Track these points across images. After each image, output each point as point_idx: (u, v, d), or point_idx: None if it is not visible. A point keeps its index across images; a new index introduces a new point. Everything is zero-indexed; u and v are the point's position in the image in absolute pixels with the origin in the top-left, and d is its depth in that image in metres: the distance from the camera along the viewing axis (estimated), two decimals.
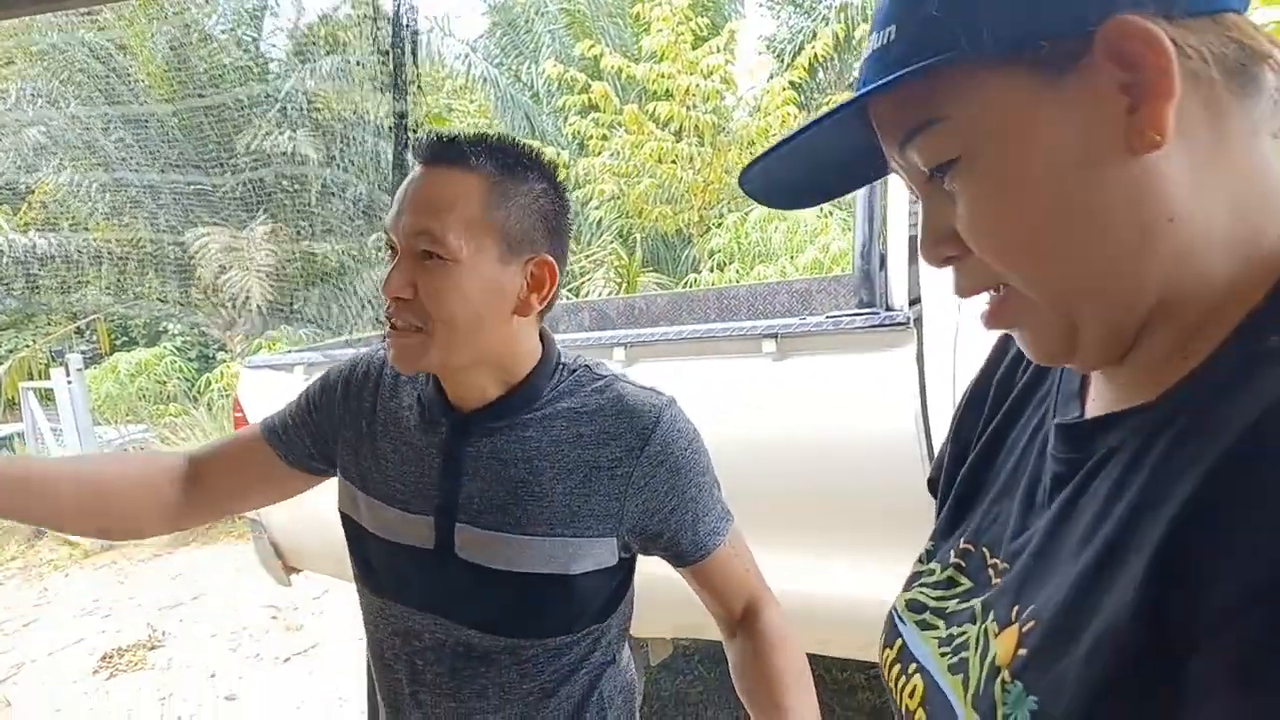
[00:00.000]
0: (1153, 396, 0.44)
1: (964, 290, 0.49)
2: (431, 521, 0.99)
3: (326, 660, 4.00)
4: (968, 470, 0.62)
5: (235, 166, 9.72)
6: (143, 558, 6.19)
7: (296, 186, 9.92)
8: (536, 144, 1.06)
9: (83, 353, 7.80)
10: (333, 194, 9.65)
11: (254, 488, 1.14)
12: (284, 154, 9.40)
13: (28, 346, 10.69)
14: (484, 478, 0.98)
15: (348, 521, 1.09)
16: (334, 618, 4.41)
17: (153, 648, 4.38)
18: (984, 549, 0.55)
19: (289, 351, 3.72)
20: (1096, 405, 0.51)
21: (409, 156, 1.01)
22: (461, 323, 0.92)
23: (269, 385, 3.17)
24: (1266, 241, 0.43)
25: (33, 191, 10.94)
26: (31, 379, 8.13)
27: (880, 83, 0.44)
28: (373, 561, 1.05)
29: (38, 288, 11.17)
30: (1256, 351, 0.39)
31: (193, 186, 9.99)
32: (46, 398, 7.04)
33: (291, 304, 9.92)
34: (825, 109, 0.47)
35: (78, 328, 11.39)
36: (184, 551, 6.11)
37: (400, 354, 0.95)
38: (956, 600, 0.55)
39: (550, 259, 0.97)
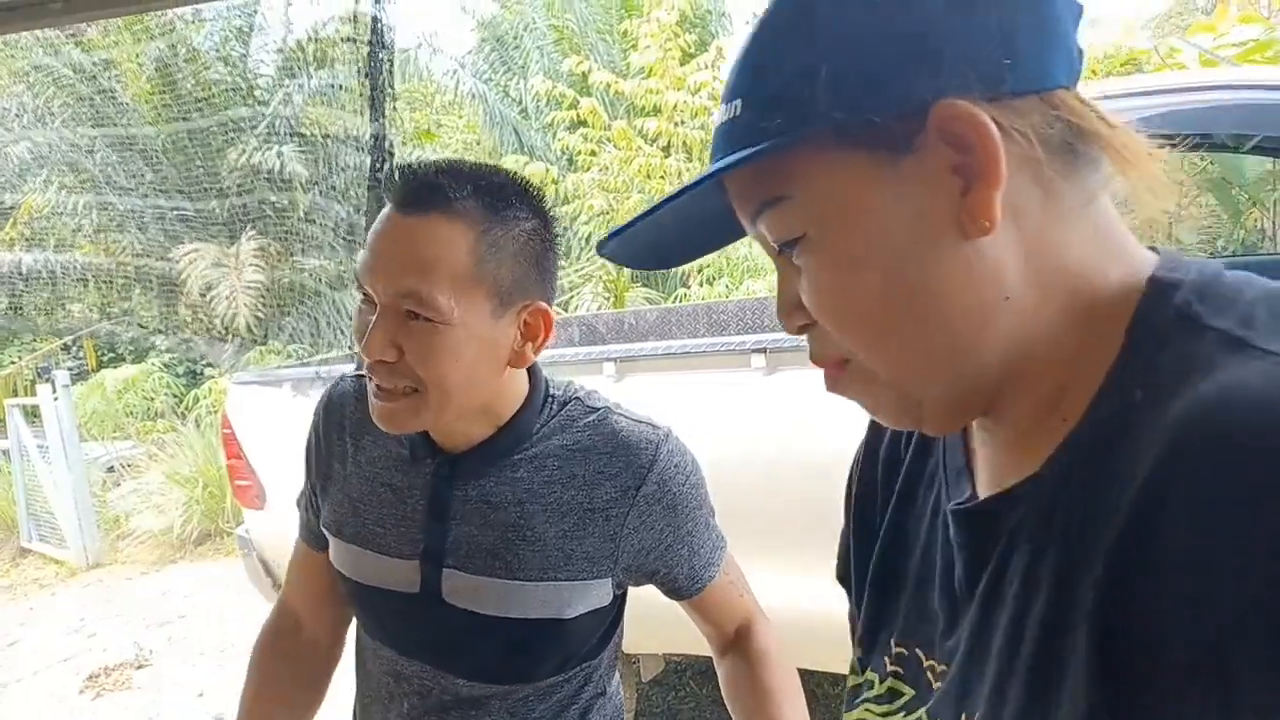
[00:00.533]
0: (1038, 464, 0.44)
1: (815, 358, 0.50)
2: (417, 565, 0.95)
3: None
4: (879, 559, 0.60)
5: (220, 190, 9.70)
6: (129, 576, 6.14)
7: (284, 204, 9.90)
8: (519, 168, 1.00)
9: (69, 369, 7.73)
10: (320, 211, 9.64)
11: (336, 596, 1.08)
12: (270, 171, 9.40)
13: (13, 363, 10.60)
14: (473, 522, 0.94)
15: (340, 577, 1.03)
16: None
17: (139, 667, 4.34)
18: (917, 651, 0.54)
19: (277, 367, 3.71)
20: (986, 479, 0.51)
21: (383, 179, 0.93)
22: (453, 384, 0.86)
23: (257, 401, 3.16)
24: (1107, 294, 0.44)
25: (17, 209, 10.88)
26: (17, 395, 8.06)
27: (722, 164, 0.45)
28: (362, 607, 1.03)
29: (23, 305, 11.08)
30: (1125, 406, 0.40)
31: (176, 212, 9.97)
32: (33, 415, 6.97)
33: (279, 320, 9.88)
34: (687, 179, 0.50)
35: (64, 344, 11.31)
36: (171, 570, 6.06)
37: (387, 418, 0.88)
38: (903, 714, 0.54)
39: (544, 305, 0.91)
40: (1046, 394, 0.45)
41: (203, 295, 9.73)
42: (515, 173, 0.92)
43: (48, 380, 6.63)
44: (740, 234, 0.55)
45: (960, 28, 0.42)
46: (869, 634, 0.60)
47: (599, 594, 0.97)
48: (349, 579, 1.01)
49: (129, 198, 10.08)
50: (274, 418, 3.02)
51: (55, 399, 6.49)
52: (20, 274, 10.60)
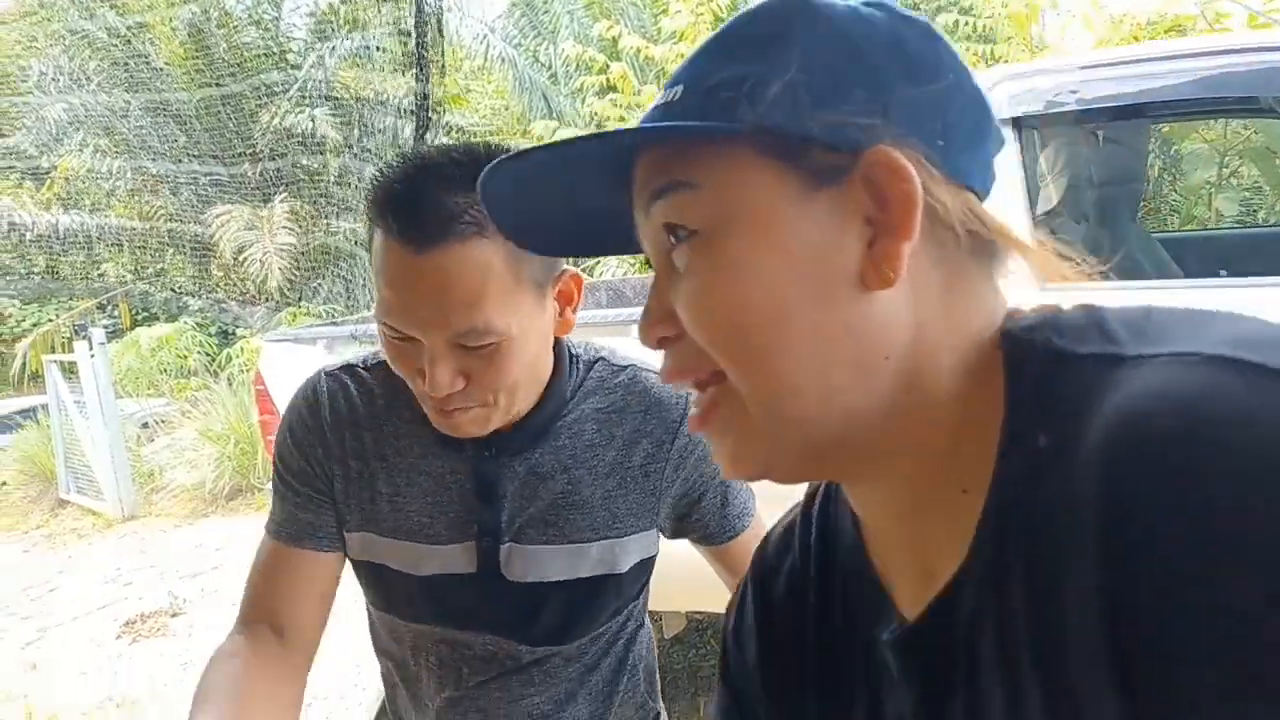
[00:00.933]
0: (959, 548, 0.42)
1: (670, 374, 0.48)
2: (473, 545, 0.95)
3: (344, 628, 4.07)
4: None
5: (253, 154, 9.76)
6: (163, 528, 6.29)
7: (316, 166, 9.94)
8: (548, 134, 0.88)
9: (105, 327, 7.87)
10: (352, 174, 9.67)
11: (326, 596, 1.00)
12: (302, 134, 9.44)
13: (50, 321, 10.81)
14: (525, 496, 0.95)
15: (365, 566, 1.00)
16: (351, 587, 4.47)
17: (174, 615, 4.47)
18: None
19: (310, 326, 3.76)
20: (907, 588, 0.48)
21: (428, 140, 0.90)
22: (521, 382, 0.87)
23: (290, 358, 3.21)
24: (981, 354, 0.44)
25: (54, 171, 11.04)
26: (54, 353, 8.23)
27: (651, 125, 0.46)
28: (400, 594, 0.99)
29: (59, 265, 11.27)
30: (1032, 456, 0.39)
31: (210, 176, 10.05)
32: (70, 371, 7.12)
33: (311, 282, 9.98)
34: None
35: (99, 303, 11.50)
36: (204, 523, 6.20)
37: (464, 427, 0.87)
38: None
39: (570, 269, 0.90)
40: (936, 452, 0.45)
41: (235, 257, 9.84)
42: (490, 144, 0.85)
43: (84, 338, 6.76)
44: (626, 246, 0.53)
45: (911, 95, 0.43)
46: None
47: (648, 544, 1.01)
48: (392, 570, 0.98)
49: (162, 162, 10.18)
50: (307, 375, 3.06)
51: (92, 356, 6.62)
52: (57, 235, 10.77)
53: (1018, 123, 2.29)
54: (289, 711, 0.89)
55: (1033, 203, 2.32)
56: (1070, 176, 2.81)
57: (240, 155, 9.70)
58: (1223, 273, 2.42)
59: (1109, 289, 2.43)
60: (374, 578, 1.01)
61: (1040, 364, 0.41)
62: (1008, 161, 2.27)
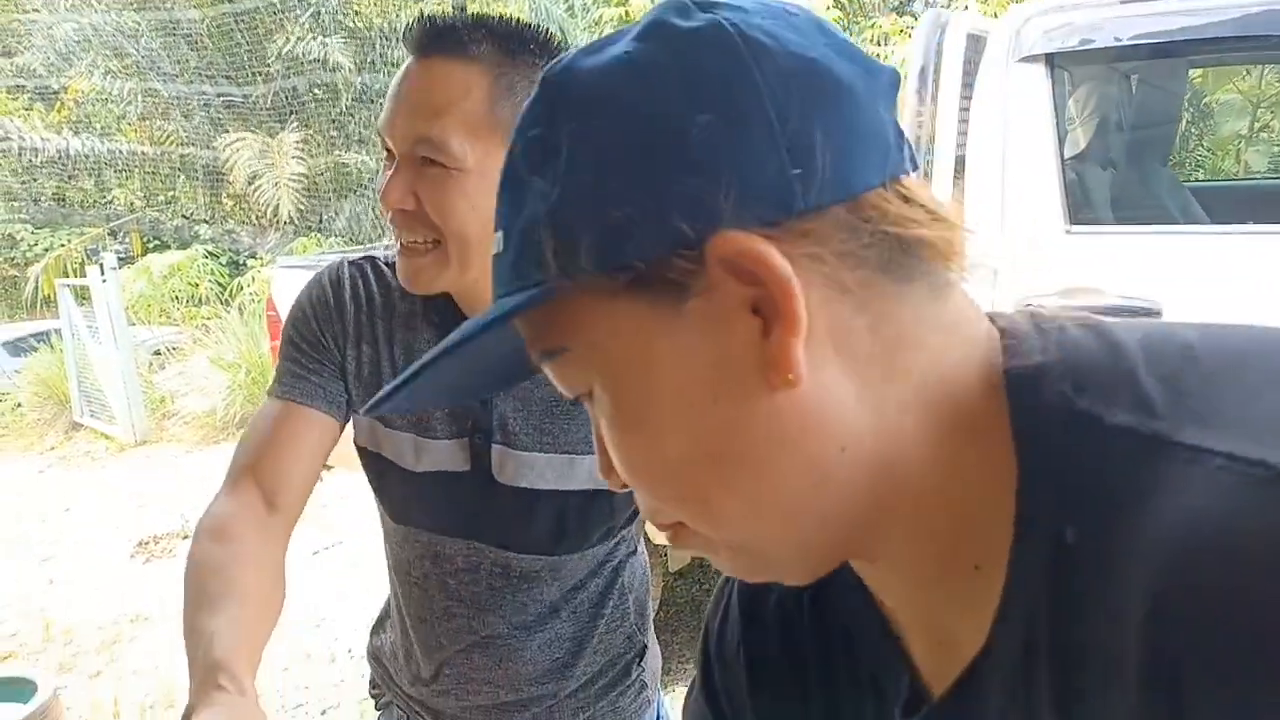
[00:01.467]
0: (978, 630, 0.38)
1: (651, 519, 0.43)
2: (466, 443, 0.95)
3: (354, 555, 4.13)
4: None
5: (266, 75, 9.62)
6: (174, 454, 6.37)
7: (328, 96, 9.81)
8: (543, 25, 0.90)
9: (116, 253, 7.87)
10: (364, 104, 9.54)
11: (319, 466, 0.98)
12: (316, 60, 9.29)
13: (63, 246, 10.82)
14: (519, 399, 0.94)
15: (370, 457, 1.01)
16: (360, 515, 4.53)
17: (185, 537, 4.53)
18: None
19: (322, 253, 3.74)
20: (919, 645, 0.44)
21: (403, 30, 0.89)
22: (474, 235, 0.83)
23: (301, 285, 3.20)
24: (972, 403, 0.37)
25: (63, 92, 10.93)
26: (67, 278, 8.25)
27: (482, 324, 0.39)
28: (399, 492, 1.00)
29: (70, 190, 11.23)
30: (1058, 549, 0.34)
31: (222, 97, 9.92)
32: (82, 297, 7.14)
33: (322, 214, 9.93)
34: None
35: (111, 230, 11.49)
36: (214, 449, 6.27)
37: (411, 274, 0.87)
38: None
39: None
40: (937, 533, 0.38)
41: (246, 186, 9.79)
42: (536, 25, 0.89)
43: (96, 262, 6.76)
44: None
45: (733, 143, 0.34)
46: None
47: None
48: (390, 462, 0.98)
49: (174, 84, 10.06)
50: None
51: (104, 281, 6.63)
52: (68, 158, 10.72)
53: (1050, 59, 2.22)
54: (274, 585, 0.89)
55: (1061, 145, 2.27)
56: (1100, 120, 2.74)
57: (254, 75, 9.56)
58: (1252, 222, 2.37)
59: (1138, 233, 2.39)
60: (377, 471, 1.01)
61: (1059, 429, 0.34)
62: (1037, 101, 2.21)
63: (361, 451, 1.01)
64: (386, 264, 1.00)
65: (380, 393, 0.46)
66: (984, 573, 0.37)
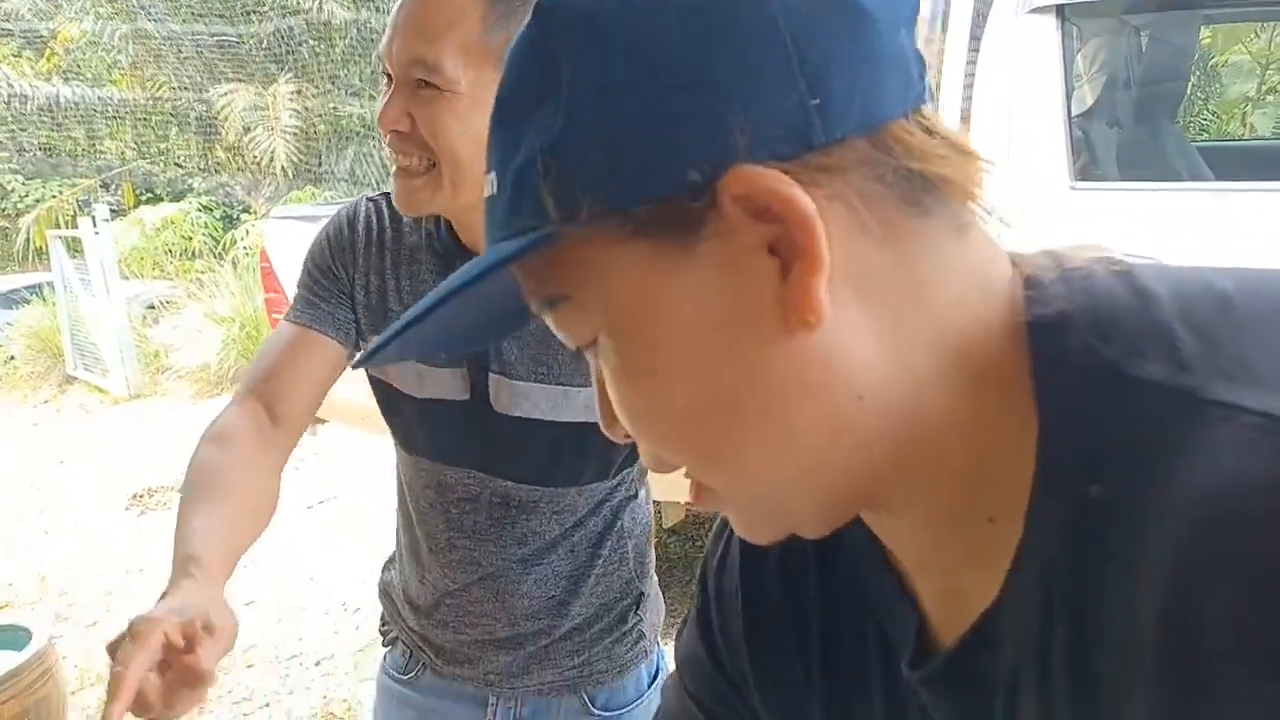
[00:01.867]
0: (991, 580, 0.36)
1: (653, 468, 0.41)
2: (464, 373, 0.97)
3: (348, 510, 4.15)
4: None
5: (261, 14, 9.44)
6: (168, 408, 6.36)
7: (323, 43, 9.64)
8: None
9: (108, 204, 7.79)
10: (361, 50, 9.38)
11: (323, 390, 1.03)
12: (309, 10, 9.13)
13: (54, 197, 10.70)
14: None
15: (377, 383, 1.05)
16: (355, 471, 4.53)
17: (178, 490, 4.55)
18: None
19: (318, 205, 3.69)
20: (927, 593, 0.42)
21: None
22: (466, 158, 0.85)
23: (295, 236, 3.16)
24: (991, 351, 0.35)
25: (55, 37, 10.73)
26: (59, 229, 8.17)
27: (475, 272, 0.37)
28: (404, 419, 1.03)
29: (61, 140, 11.08)
30: (1080, 504, 0.32)
31: (216, 38, 9.74)
32: (74, 248, 7.08)
33: (318, 165, 9.81)
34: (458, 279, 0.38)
35: (103, 183, 11.37)
36: (209, 404, 6.26)
37: (405, 196, 0.89)
38: None
39: None
40: (955, 483, 0.37)
41: (241, 136, 9.66)
42: None
43: (89, 214, 6.69)
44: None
45: (747, 72, 0.32)
46: None
47: None
48: (395, 389, 1.01)
49: (166, 24, 9.85)
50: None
51: (96, 233, 6.57)
52: (58, 106, 10.55)
53: (1060, 11, 2.18)
54: (264, 493, 0.94)
55: (1069, 101, 2.22)
56: (1108, 76, 2.69)
57: (248, 14, 9.39)
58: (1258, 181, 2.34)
59: (1143, 190, 2.36)
60: (384, 399, 1.04)
61: (1083, 381, 0.33)
62: (1046, 54, 2.16)
63: (370, 379, 1.05)
64: None
65: (372, 344, 0.43)
66: (999, 525, 0.35)
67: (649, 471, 1.12)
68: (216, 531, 0.85)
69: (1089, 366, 0.33)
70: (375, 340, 0.43)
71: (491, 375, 0.96)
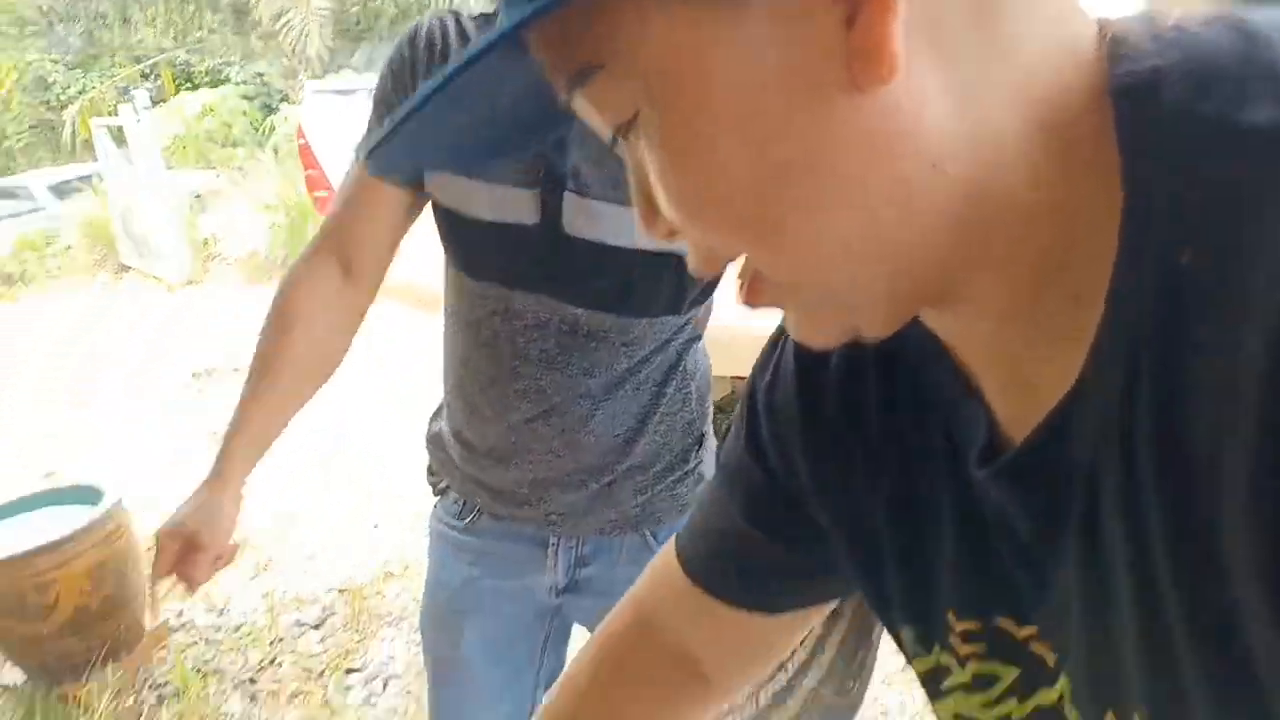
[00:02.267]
0: (1072, 364, 0.33)
1: (698, 269, 0.38)
2: (536, 194, 0.95)
3: (397, 376, 4.25)
4: (891, 525, 0.47)
5: None
6: (220, 293, 6.50)
7: None
8: None
9: (148, 91, 7.78)
10: None
11: (399, 233, 1.05)
12: None
13: (95, 87, 10.71)
14: (593, 145, 0.92)
15: (442, 213, 1.02)
16: (405, 344, 4.62)
17: (236, 369, 4.68)
18: (1002, 622, 0.43)
19: (355, 77, 3.64)
20: (1003, 405, 0.39)
21: None
22: None
23: (332, 110, 3.13)
24: (1075, 114, 0.31)
25: None
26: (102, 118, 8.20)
27: (488, 41, 0.32)
28: (470, 245, 1.01)
29: (98, 28, 10.98)
30: (1170, 273, 0.29)
31: None
32: (118, 138, 7.12)
33: (353, 51, 9.64)
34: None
35: (142, 71, 11.32)
36: (259, 289, 6.38)
37: None
38: (1014, 699, 0.43)
39: None
40: (1034, 261, 0.33)
41: (274, 23, 9.50)
42: None
43: (129, 101, 6.69)
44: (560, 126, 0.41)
45: None
46: (911, 608, 0.47)
47: None
48: (461, 215, 0.98)
49: None
50: (349, 127, 3.00)
51: (138, 120, 6.58)
52: None
53: None
54: (324, 358, 1.03)
55: None
56: None
57: None
58: None
59: None
60: (448, 225, 1.02)
61: (1175, 138, 0.29)
62: None
63: (434, 205, 1.03)
64: (471, 16, 1.00)
65: (379, 133, 0.38)
66: (1083, 303, 0.32)
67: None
68: (252, 414, 0.97)
69: (1182, 122, 0.29)
70: (380, 131, 0.38)
71: (567, 194, 0.94)
